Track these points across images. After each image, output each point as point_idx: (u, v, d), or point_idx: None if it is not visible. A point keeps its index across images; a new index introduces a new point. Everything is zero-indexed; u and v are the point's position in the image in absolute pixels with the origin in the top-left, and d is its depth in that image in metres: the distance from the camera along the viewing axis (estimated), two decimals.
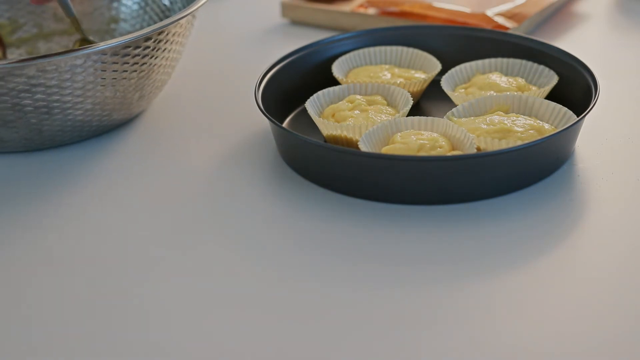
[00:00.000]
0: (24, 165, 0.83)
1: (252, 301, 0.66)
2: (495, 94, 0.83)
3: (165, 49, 0.84)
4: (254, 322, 0.64)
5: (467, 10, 1.03)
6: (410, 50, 0.90)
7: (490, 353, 0.61)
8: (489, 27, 1.00)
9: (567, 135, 0.77)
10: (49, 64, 0.78)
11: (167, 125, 0.89)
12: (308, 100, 0.82)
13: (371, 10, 1.06)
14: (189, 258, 0.71)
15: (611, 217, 0.73)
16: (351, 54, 0.90)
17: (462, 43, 0.92)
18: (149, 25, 0.97)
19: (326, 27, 1.08)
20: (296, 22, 1.10)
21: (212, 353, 0.62)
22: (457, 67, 0.87)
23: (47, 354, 0.63)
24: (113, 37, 0.98)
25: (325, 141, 0.81)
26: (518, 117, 0.78)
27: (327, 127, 0.80)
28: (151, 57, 0.83)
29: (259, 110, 0.81)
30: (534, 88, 0.85)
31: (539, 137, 0.76)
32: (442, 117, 0.79)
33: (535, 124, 0.77)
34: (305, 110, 0.84)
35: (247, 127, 0.87)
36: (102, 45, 0.78)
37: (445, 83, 0.85)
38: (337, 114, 0.81)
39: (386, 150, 0.76)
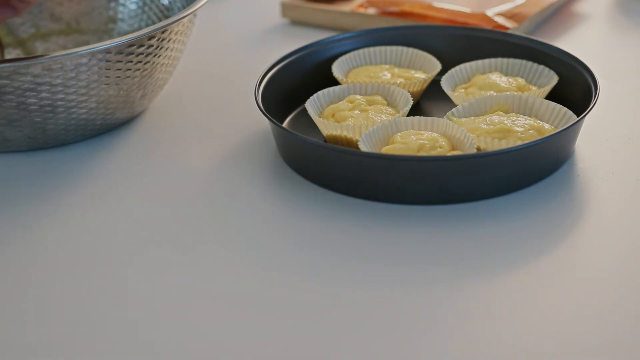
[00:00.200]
0: (26, 164, 0.83)
1: (252, 301, 0.66)
2: (495, 94, 0.83)
3: (168, 48, 0.84)
4: (254, 322, 0.64)
5: (467, 10, 1.03)
6: (410, 50, 0.90)
7: (490, 353, 0.61)
8: (489, 27, 1.00)
9: (567, 135, 0.77)
10: (55, 63, 0.78)
11: (167, 124, 0.89)
12: (308, 100, 0.82)
13: (371, 10, 1.06)
14: (189, 258, 0.71)
15: (611, 217, 0.73)
16: (351, 54, 0.90)
17: (462, 43, 0.92)
18: (147, 25, 0.97)
19: (326, 27, 1.08)
20: (296, 22, 1.10)
21: (211, 353, 0.62)
22: (457, 67, 0.87)
23: (47, 353, 0.63)
24: (111, 37, 0.98)
25: (325, 141, 0.81)
26: (518, 117, 0.78)
27: (327, 127, 0.80)
28: (154, 56, 0.83)
29: (259, 110, 0.81)
30: (534, 88, 0.85)
31: (539, 137, 0.76)
32: (442, 117, 0.79)
33: (535, 124, 0.77)
34: (305, 110, 0.84)
35: (247, 127, 0.87)
36: (107, 43, 0.78)
37: (445, 83, 0.85)
38: (337, 114, 0.81)
39: (386, 150, 0.76)
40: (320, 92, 0.84)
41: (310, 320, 0.64)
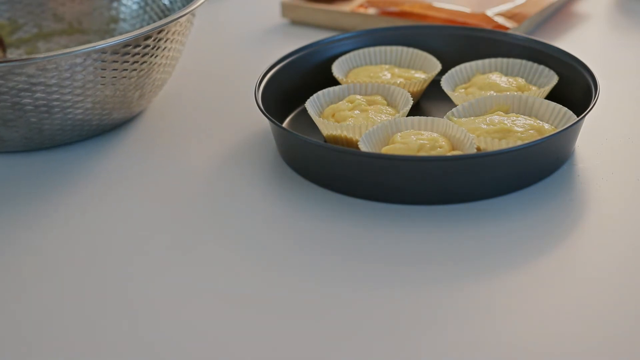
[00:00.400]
0: (24, 164, 0.83)
1: (252, 301, 0.66)
2: (495, 94, 0.83)
3: (165, 48, 0.84)
4: (254, 322, 0.64)
5: (467, 10, 1.03)
6: (410, 50, 0.90)
7: (490, 353, 0.61)
8: (489, 27, 1.00)
9: (567, 135, 0.77)
10: (49, 63, 0.78)
11: (167, 124, 0.89)
12: (308, 100, 0.82)
13: (371, 10, 1.06)
14: (189, 258, 0.71)
15: (611, 217, 0.73)
16: (351, 54, 0.90)
17: (462, 43, 0.92)
18: (148, 24, 0.97)
19: (326, 27, 1.08)
20: (296, 22, 1.10)
21: (212, 353, 0.62)
22: (457, 67, 0.87)
23: (47, 353, 0.63)
24: (113, 37, 0.98)
25: (325, 141, 0.81)
26: (518, 117, 0.78)
27: (327, 127, 0.80)
28: (151, 56, 0.83)
29: (259, 110, 0.81)
30: (534, 88, 0.85)
31: (539, 137, 0.76)
32: (442, 117, 0.79)
33: (535, 124, 0.77)
34: (305, 110, 0.84)
35: (247, 127, 0.87)
36: (102, 43, 0.78)
37: (445, 83, 0.85)
38: (337, 114, 0.81)
39: (386, 150, 0.76)
40: (320, 92, 0.84)
41: (310, 320, 0.64)
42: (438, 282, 0.67)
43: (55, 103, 0.80)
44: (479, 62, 0.88)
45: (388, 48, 0.91)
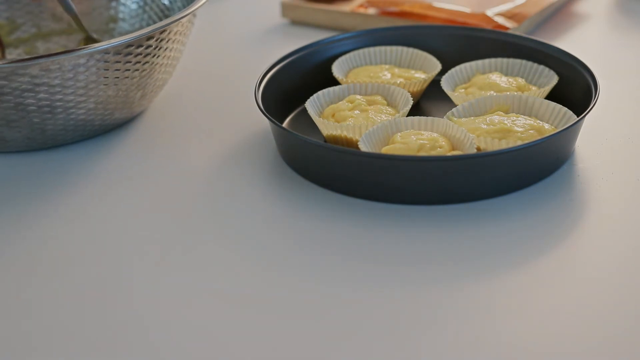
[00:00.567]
0: (24, 164, 0.83)
1: (252, 301, 0.66)
2: (495, 94, 0.83)
3: (167, 48, 0.84)
4: (254, 322, 0.64)
5: (467, 10, 1.03)
6: (410, 50, 0.90)
7: (490, 353, 0.61)
8: (489, 27, 1.00)
9: (567, 135, 0.77)
10: (53, 63, 0.78)
11: (167, 125, 0.89)
12: (308, 100, 0.82)
13: (371, 10, 1.06)
14: (189, 258, 0.71)
15: (611, 217, 0.73)
16: (351, 54, 0.90)
17: (462, 43, 0.92)
18: (148, 24, 0.97)
19: (326, 27, 1.08)
20: (296, 22, 1.10)
21: (212, 353, 0.62)
22: (457, 67, 0.87)
23: (46, 353, 0.63)
24: (112, 36, 0.98)
25: (325, 141, 0.81)
26: (518, 117, 0.78)
27: (327, 127, 0.80)
28: (153, 56, 0.83)
29: (259, 110, 0.81)
30: (534, 88, 0.85)
31: (539, 137, 0.76)
32: (442, 117, 0.79)
33: (535, 124, 0.77)
34: (305, 110, 0.84)
35: (247, 127, 0.87)
36: (105, 44, 0.78)
37: (445, 83, 0.85)
38: (337, 114, 0.81)
39: (386, 150, 0.76)
40: (320, 92, 0.84)
41: (310, 320, 0.64)
42: (438, 282, 0.67)
43: (58, 103, 0.80)
44: (479, 62, 0.88)
45: (388, 48, 0.91)
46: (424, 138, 0.76)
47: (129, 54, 0.81)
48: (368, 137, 0.77)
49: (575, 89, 0.84)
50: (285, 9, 1.09)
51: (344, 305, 0.65)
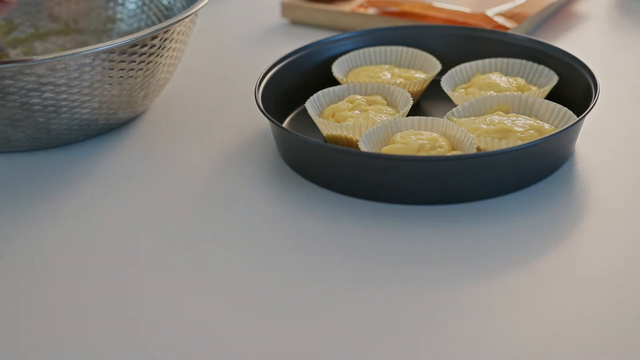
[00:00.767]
0: (27, 164, 0.83)
1: (252, 301, 0.66)
2: (495, 94, 0.83)
3: (170, 48, 0.85)
4: (254, 322, 0.64)
5: (467, 10, 1.03)
6: (410, 50, 0.90)
7: (490, 353, 0.61)
8: (489, 27, 1.00)
9: (567, 135, 0.77)
10: (59, 63, 0.78)
11: (168, 124, 0.89)
12: (308, 100, 0.82)
13: (371, 10, 1.06)
14: (188, 258, 0.71)
15: (611, 217, 0.73)
16: (351, 54, 0.90)
17: (462, 43, 0.92)
18: (147, 25, 0.98)
19: (326, 27, 1.08)
20: (296, 22, 1.10)
21: (212, 353, 0.62)
22: (457, 67, 0.87)
23: (46, 353, 0.63)
24: (110, 37, 0.98)
25: (325, 141, 0.81)
26: (518, 117, 0.78)
27: (327, 127, 0.80)
28: (157, 56, 0.83)
29: (259, 110, 0.81)
30: (534, 88, 0.85)
31: (539, 137, 0.76)
32: (442, 117, 0.79)
33: (535, 124, 0.77)
34: (305, 110, 0.84)
35: (247, 127, 0.87)
36: (111, 43, 0.79)
37: (445, 83, 0.85)
38: (337, 114, 0.81)
39: (386, 150, 0.76)
40: (320, 92, 0.84)
41: (310, 320, 0.64)
42: (438, 282, 0.67)
43: (63, 103, 0.80)
44: (479, 62, 0.88)
45: (388, 48, 0.91)
46: (424, 138, 0.76)
47: (134, 53, 0.81)
48: (368, 137, 0.77)
49: (575, 89, 0.84)
50: (285, 9, 1.09)
51: (344, 305, 0.65)
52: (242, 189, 0.78)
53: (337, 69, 0.89)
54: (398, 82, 0.86)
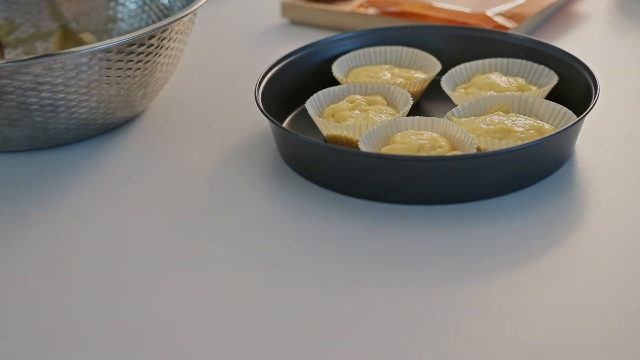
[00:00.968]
0: (24, 164, 0.83)
1: (252, 301, 0.66)
2: (495, 94, 0.83)
3: (168, 47, 0.85)
4: (254, 322, 0.64)
5: (467, 10, 1.03)
6: (410, 50, 0.90)
7: (490, 353, 0.61)
8: (489, 27, 1.00)
9: (567, 135, 0.77)
10: (56, 62, 0.78)
11: (167, 124, 0.89)
12: (308, 100, 0.82)
13: (371, 10, 1.06)
14: (189, 258, 0.71)
15: (611, 217, 0.73)
16: (351, 54, 0.90)
17: (462, 43, 0.92)
18: (147, 24, 0.98)
19: (326, 27, 1.08)
20: (296, 22, 1.10)
21: (212, 353, 0.62)
22: (457, 67, 0.87)
23: (46, 353, 0.63)
24: (111, 36, 0.98)
25: (325, 141, 0.81)
26: (518, 117, 0.78)
27: (327, 127, 0.80)
28: (155, 55, 0.83)
29: (259, 110, 0.81)
30: (534, 88, 0.85)
31: (539, 137, 0.76)
32: (442, 117, 0.79)
33: (535, 124, 0.77)
34: (305, 110, 0.84)
35: (247, 127, 0.87)
36: (108, 43, 0.78)
37: (445, 83, 0.85)
38: (337, 114, 0.81)
39: (386, 150, 0.76)
40: (320, 92, 0.84)
41: (310, 320, 0.64)
42: (438, 282, 0.67)
43: (60, 102, 0.80)
44: (479, 62, 0.88)
45: (388, 48, 0.91)
46: (424, 138, 0.76)
47: (131, 52, 0.81)
48: (368, 137, 0.77)
49: (575, 89, 0.84)
50: (285, 9, 1.09)
51: (344, 305, 0.65)
52: (242, 189, 0.78)
53: (337, 69, 0.89)
54: (398, 82, 0.86)
